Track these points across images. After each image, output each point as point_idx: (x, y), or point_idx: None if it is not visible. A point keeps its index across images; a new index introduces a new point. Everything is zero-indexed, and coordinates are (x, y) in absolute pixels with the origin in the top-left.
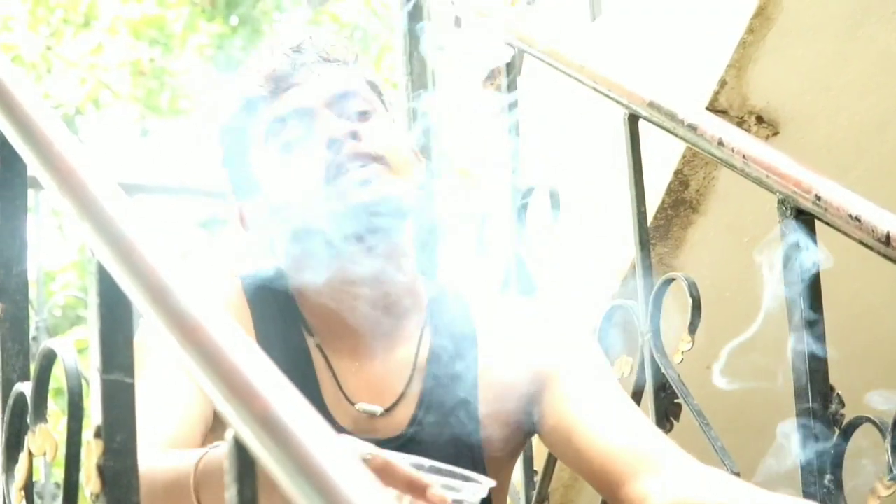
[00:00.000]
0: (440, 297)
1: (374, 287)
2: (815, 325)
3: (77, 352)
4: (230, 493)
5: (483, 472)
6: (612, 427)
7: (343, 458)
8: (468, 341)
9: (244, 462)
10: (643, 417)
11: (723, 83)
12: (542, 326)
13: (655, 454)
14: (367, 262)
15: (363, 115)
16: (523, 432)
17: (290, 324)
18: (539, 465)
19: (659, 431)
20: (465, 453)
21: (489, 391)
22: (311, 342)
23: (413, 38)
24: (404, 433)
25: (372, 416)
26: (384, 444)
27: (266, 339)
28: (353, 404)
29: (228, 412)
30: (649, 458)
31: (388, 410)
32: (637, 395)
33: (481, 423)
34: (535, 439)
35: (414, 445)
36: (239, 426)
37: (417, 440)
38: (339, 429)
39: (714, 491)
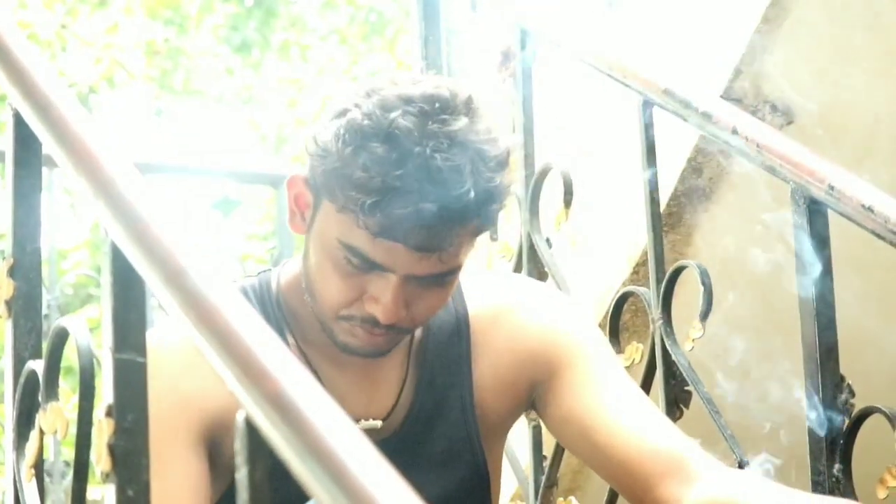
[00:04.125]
0: None
1: None
2: (825, 313)
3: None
4: (240, 473)
5: (480, 451)
6: (632, 427)
7: (354, 439)
8: (460, 326)
9: (256, 443)
10: (659, 413)
11: (738, 72)
12: (543, 309)
13: (681, 456)
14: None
15: (434, 285)
16: (519, 411)
17: (272, 324)
18: (548, 450)
19: (676, 428)
20: (461, 437)
21: (485, 376)
22: (290, 343)
23: (428, 23)
24: (400, 429)
25: (373, 429)
26: (380, 440)
27: None
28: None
29: (240, 393)
30: (675, 461)
31: (386, 417)
32: (647, 382)
33: (476, 406)
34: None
35: (411, 439)
36: (250, 407)
37: (414, 434)
38: None
39: (747, 494)
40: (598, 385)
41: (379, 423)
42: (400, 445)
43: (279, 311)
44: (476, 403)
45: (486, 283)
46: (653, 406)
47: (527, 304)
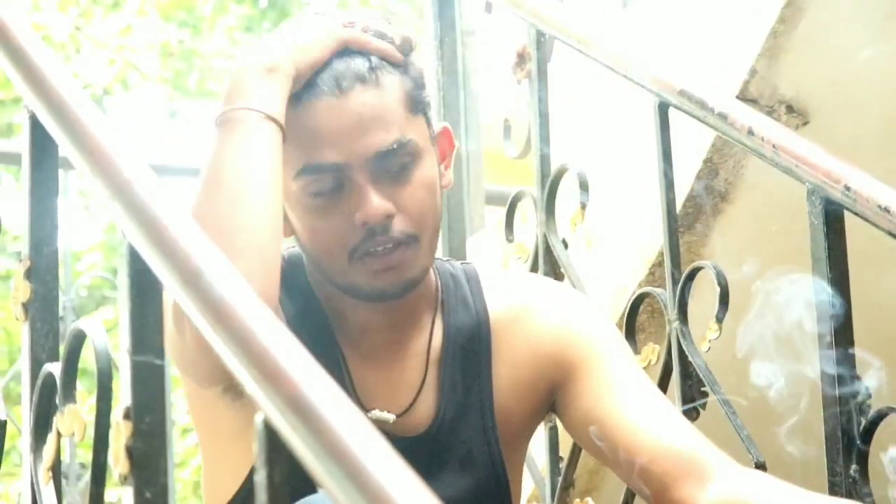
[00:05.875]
0: (451, 282)
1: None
2: (842, 315)
3: None
4: (259, 476)
5: (499, 456)
6: (648, 426)
7: (373, 441)
8: (480, 328)
9: (274, 445)
10: (676, 412)
11: (753, 72)
12: (562, 310)
13: (696, 455)
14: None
15: (402, 172)
16: (540, 414)
17: (317, 322)
18: (564, 451)
19: (691, 426)
20: (480, 441)
21: (504, 379)
22: (339, 340)
23: (443, 24)
24: (427, 432)
25: (385, 423)
26: (404, 441)
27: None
28: (366, 411)
29: (258, 395)
30: (690, 461)
31: (402, 414)
32: (664, 383)
33: (496, 410)
34: (561, 428)
35: (436, 444)
36: (269, 409)
37: (439, 438)
38: None
39: (762, 495)
40: (616, 385)
41: (392, 417)
42: (423, 449)
43: (309, 285)
44: (496, 407)
45: (504, 283)
46: (668, 403)
47: (544, 306)
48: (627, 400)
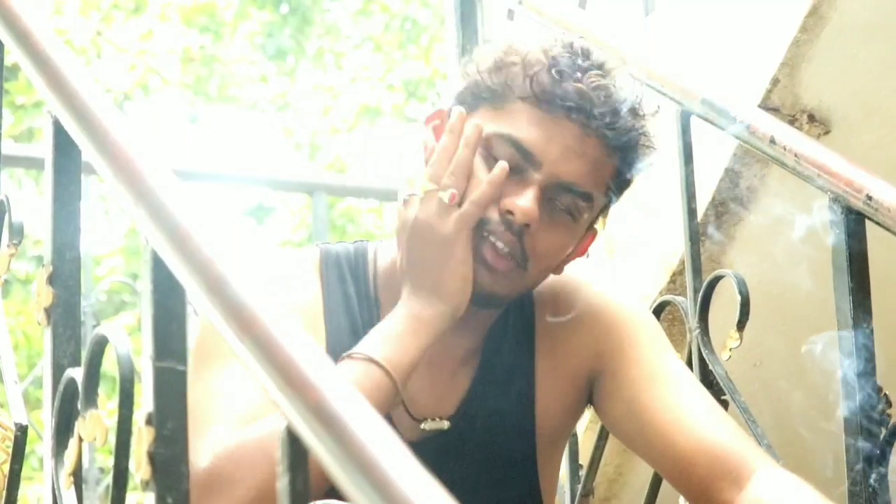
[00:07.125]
0: None
1: None
2: (863, 324)
3: None
4: (282, 483)
5: (533, 454)
6: (688, 423)
7: (396, 449)
8: (525, 325)
9: (297, 453)
10: (717, 408)
11: (775, 81)
12: (605, 307)
13: (734, 455)
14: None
15: (565, 213)
16: (579, 410)
17: (364, 306)
18: (584, 459)
19: (732, 422)
20: (516, 438)
21: (546, 376)
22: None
23: (465, 31)
24: (452, 416)
25: (439, 430)
26: (434, 437)
27: (334, 315)
28: (417, 421)
29: (282, 403)
30: (729, 461)
31: (453, 416)
32: None
33: (537, 407)
34: (580, 434)
35: (470, 440)
36: (292, 417)
37: (473, 433)
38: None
39: (799, 502)
40: (658, 380)
41: (446, 424)
42: (453, 442)
43: (374, 289)
44: (537, 404)
45: (554, 281)
46: (709, 398)
47: (593, 301)
48: (667, 395)
